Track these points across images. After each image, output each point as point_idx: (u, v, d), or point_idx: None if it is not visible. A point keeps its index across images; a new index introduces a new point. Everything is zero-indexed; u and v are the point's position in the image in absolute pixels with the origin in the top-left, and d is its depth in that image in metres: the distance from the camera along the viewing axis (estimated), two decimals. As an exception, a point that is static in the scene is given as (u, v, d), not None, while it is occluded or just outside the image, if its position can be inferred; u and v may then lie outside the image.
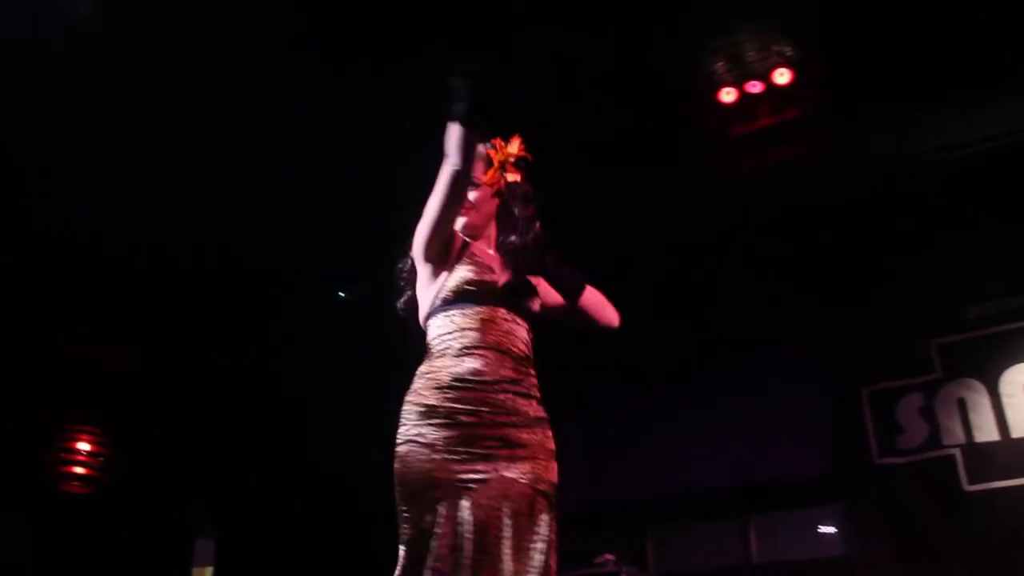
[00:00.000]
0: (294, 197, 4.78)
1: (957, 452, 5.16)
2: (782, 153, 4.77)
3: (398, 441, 2.30)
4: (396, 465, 2.27)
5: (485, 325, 2.38)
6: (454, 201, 2.40)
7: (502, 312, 2.43)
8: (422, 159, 2.52)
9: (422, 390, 2.33)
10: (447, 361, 2.34)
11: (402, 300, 2.63)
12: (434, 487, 2.18)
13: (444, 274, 2.48)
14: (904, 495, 5.24)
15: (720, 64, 4.52)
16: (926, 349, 5.40)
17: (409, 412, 2.31)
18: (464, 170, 2.33)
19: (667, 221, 5.34)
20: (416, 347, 2.51)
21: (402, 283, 2.65)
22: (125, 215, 4.97)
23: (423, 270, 2.51)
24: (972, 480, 5.07)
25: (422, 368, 2.39)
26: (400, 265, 2.65)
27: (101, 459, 6.15)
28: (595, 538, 6.00)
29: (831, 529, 5.91)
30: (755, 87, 4.62)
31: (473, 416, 2.26)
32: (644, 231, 5.32)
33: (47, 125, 4.33)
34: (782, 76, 4.56)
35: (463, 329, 2.38)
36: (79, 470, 6.10)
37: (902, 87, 4.50)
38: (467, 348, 2.34)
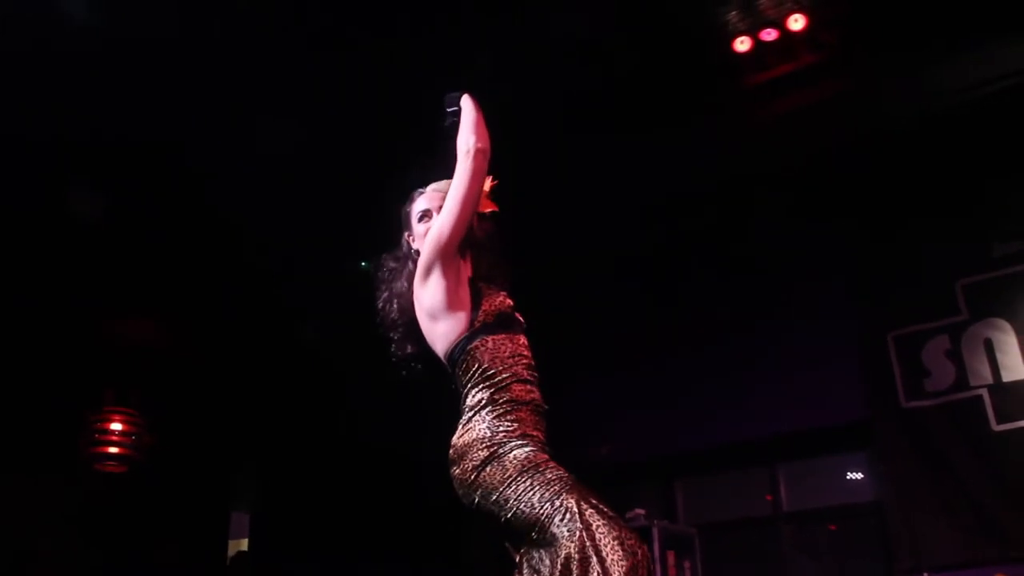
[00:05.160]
0: (319, 170, 4.82)
1: (985, 392, 5.16)
2: (800, 99, 4.73)
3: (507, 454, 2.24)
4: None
5: (526, 353, 2.43)
6: (482, 183, 2.42)
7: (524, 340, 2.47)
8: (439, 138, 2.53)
9: (515, 412, 2.30)
10: (526, 388, 2.35)
11: (394, 298, 2.59)
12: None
13: (465, 289, 2.44)
14: (933, 438, 5.26)
15: (733, 13, 4.48)
16: (951, 290, 5.38)
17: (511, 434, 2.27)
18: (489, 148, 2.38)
19: (684, 174, 5.31)
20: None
21: (390, 276, 2.63)
22: (153, 197, 5.01)
23: (441, 273, 2.40)
24: (1001, 420, 5.07)
25: (495, 393, 2.32)
26: (390, 262, 2.65)
27: (135, 438, 6.25)
28: (625, 491, 6.07)
29: (860, 475, 5.92)
30: (769, 35, 4.57)
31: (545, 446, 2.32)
32: (663, 184, 5.31)
33: (71, 114, 4.38)
34: (797, 22, 4.51)
35: (518, 355, 2.39)
36: (114, 450, 6.20)
37: (918, 27, 4.44)
38: (529, 379, 2.37)
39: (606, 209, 5.31)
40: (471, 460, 2.24)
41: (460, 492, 2.29)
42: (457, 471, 2.28)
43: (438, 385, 2.55)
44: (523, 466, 2.17)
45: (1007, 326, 5.18)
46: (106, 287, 5.62)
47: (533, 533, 2.12)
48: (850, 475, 5.98)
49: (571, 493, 2.10)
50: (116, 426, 6.19)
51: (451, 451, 2.32)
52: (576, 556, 2.01)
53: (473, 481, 2.22)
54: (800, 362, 5.75)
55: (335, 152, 4.77)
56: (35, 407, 5.95)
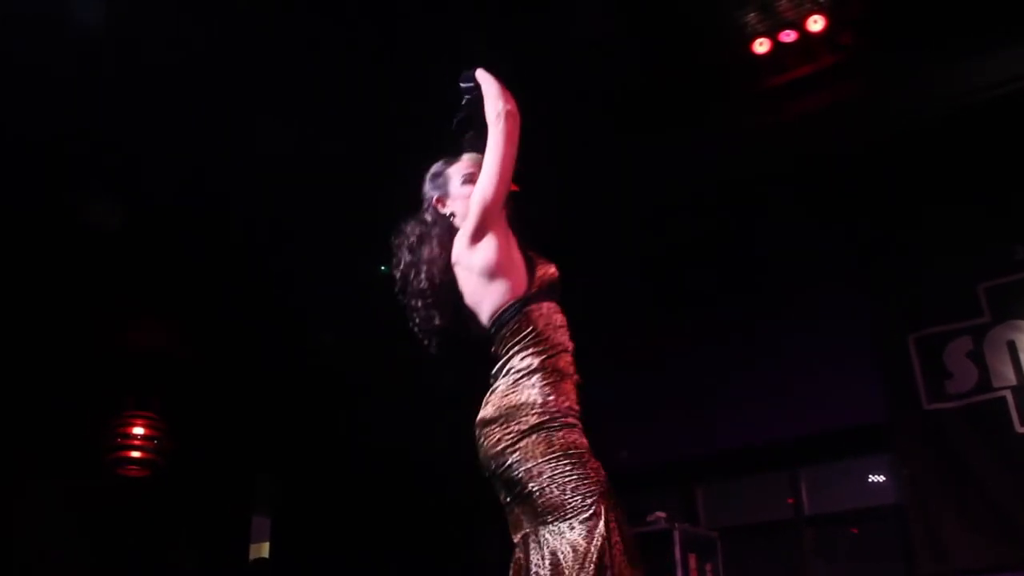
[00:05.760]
0: (330, 174, 4.84)
1: (1008, 394, 5.12)
2: (819, 100, 4.72)
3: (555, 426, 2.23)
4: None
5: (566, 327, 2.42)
6: (516, 144, 2.38)
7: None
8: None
9: (562, 383, 2.31)
10: (570, 361, 2.36)
11: (423, 264, 2.52)
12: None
13: (518, 252, 2.43)
14: (955, 440, 5.21)
15: (752, 15, 4.48)
16: (973, 292, 5.35)
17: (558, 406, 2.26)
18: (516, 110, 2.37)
19: (703, 175, 5.32)
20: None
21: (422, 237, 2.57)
22: (170, 205, 5.05)
23: (493, 233, 2.38)
24: (1025, 422, 5.04)
25: (546, 360, 2.31)
26: (416, 229, 2.59)
27: (156, 442, 6.29)
28: (646, 495, 6.05)
29: (881, 478, 5.88)
30: (789, 36, 4.57)
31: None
32: (682, 185, 5.32)
33: (85, 123, 4.42)
34: (816, 23, 4.51)
35: (561, 327, 2.39)
36: (136, 454, 6.25)
37: (938, 27, 4.43)
38: (572, 352, 2.38)
39: (631, 209, 5.35)
40: (519, 423, 2.21)
41: (491, 452, 2.25)
42: (497, 429, 2.24)
43: (458, 389, 2.55)
44: (570, 448, 2.17)
45: (1031, 328, 5.15)
46: (124, 293, 5.67)
47: (550, 516, 2.12)
48: (872, 478, 5.94)
49: (604, 499, 2.11)
50: (138, 430, 6.24)
51: (492, 409, 2.28)
52: (594, 560, 2.02)
53: (514, 444, 2.20)
54: (821, 364, 5.72)
55: (346, 156, 4.79)
56: (56, 412, 6.00)
